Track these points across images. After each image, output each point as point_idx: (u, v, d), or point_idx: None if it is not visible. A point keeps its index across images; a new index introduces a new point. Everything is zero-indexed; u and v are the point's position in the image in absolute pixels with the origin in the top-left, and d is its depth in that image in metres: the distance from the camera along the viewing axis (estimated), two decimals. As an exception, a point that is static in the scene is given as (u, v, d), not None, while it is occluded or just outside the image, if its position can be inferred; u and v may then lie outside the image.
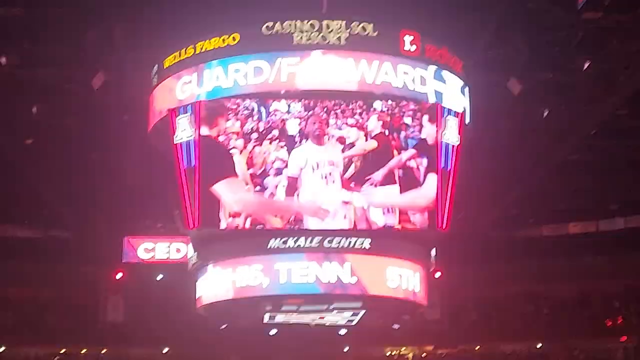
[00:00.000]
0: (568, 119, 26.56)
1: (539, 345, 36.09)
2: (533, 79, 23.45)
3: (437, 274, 28.11)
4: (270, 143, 19.92)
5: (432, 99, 19.92)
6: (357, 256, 20.75)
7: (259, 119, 19.82)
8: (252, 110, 19.81)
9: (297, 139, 19.94)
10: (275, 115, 19.89)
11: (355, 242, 20.55)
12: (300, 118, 19.90)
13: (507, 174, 30.85)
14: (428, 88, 19.88)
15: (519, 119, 26.44)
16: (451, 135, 20.24)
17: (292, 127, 19.97)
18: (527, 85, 22.66)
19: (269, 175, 19.88)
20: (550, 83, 24.36)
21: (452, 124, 20.22)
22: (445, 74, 20.27)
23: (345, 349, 35.80)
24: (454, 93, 20.36)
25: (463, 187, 21.26)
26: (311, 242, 20.46)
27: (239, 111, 19.73)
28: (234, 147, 19.78)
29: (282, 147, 19.92)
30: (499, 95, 23.41)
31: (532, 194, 33.15)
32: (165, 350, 36.47)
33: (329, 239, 20.37)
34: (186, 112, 19.69)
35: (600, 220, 37.04)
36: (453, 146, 20.25)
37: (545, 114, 24.59)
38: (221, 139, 19.75)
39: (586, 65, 22.12)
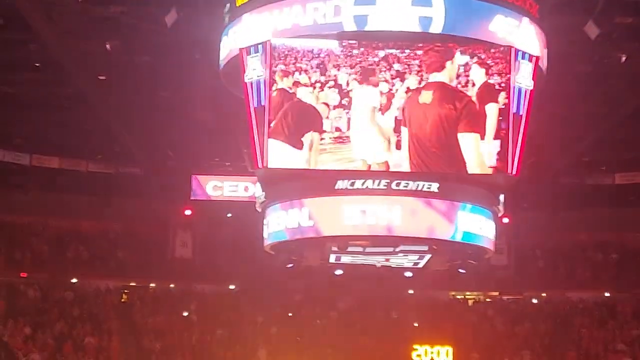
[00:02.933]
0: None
1: (606, 294, 35.77)
2: (611, 22, 22.82)
3: (505, 220, 27.93)
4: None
5: (505, 42, 19.56)
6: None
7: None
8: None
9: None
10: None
11: (424, 185, 20.41)
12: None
13: (580, 120, 30.34)
14: (503, 30, 19.52)
15: (596, 63, 25.86)
16: (524, 79, 19.86)
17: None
18: (605, 29, 22.07)
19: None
20: (629, 27, 23.69)
21: (525, 67, 19.83)
22: (521, 17, 19.87)
23: (410, 292, 35.92)
24: (528, 36, 19.95)
25: (535, 132, 20.95)
26: (379, 184, 20.38)
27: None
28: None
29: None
30: (576, 39, 22.87)
31: (605, 141, 32.57)
32: (232, 287, 37.03)
33: (396, 181, 20.26)
34: (257, 52, 19.59)
35: (675, 168, 36.32)
36: (526, 90, 19.88)
37: (623, 59, 23.95)
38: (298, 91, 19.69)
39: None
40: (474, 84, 19.60)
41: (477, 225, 20.99)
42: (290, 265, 25.07)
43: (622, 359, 31.02)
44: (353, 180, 20.41)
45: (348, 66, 19.70)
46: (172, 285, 37.09)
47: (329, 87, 19.79)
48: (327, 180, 20.53)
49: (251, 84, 19.73)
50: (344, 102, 19.80)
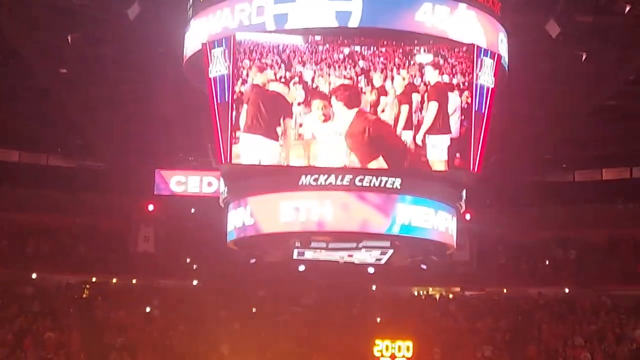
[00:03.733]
0: (606, 64, 26.22)
1: (566, 291, 36.15)
2: (572, 21, 23.06)
3: (467, 216, 28.12)
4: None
5: (468, 40, 19.69)
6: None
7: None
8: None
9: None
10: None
11: (387, 181, 20.53)
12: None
13: (542, 118, 30.64)
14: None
15: (557, 62, 26.12)
16: (486, 77, 20.02)
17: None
18: (566, 28, 22.30)
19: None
20: (589, 26, 23.95)
21: (487, 65, 19.99)
22: (483, 14, 20.01)
23: (373, 288, 36.06)
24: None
25: (497, 130, 21.13)
26: (342, 180, 20.47)
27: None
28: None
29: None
30: (537, 37, 23.09)
31: (567, 139, 32.93)
32: (195, 282, 36.93)
33: (359, 177, 20.37)
34: (221, 46, 19.58)
35: (634, 166, 36.77)
36: (488, 88, 20.06)
37: (584, 58, 24.23)
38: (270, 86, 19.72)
39: (627, 9, 21.68)
40: (427, 84, 19.85)
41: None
42: (253, 260, 25.14)
43: (580, 354, 31.36)
44: (317, 176, 20.51)
45: (313, 62, 19.78)
46: (134, 281, 36.91)
47: (294, 84, 19.85)
48: (291, 176, 20.61)
49: (215, 79, 19.71)
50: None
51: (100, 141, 33.90)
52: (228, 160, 19.96)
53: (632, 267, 35.38)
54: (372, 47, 19.70)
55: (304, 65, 19.69)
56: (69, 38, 24.64)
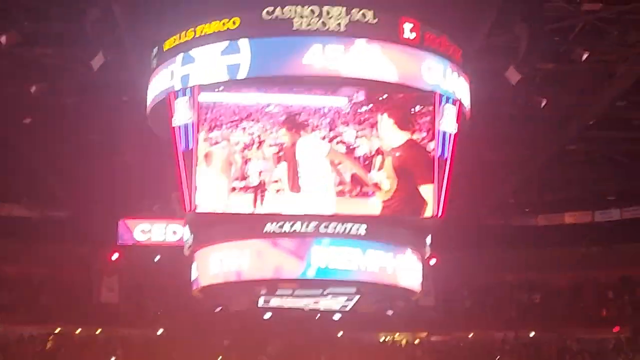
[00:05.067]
0: (566, 109, 26.61)
1: (531, 334, 36.25)
2: (532, 68, 23.41)
3: (432, 261, 28.21)
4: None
5: (429, 87, 19.90)
6: (352, 241, 20.83)
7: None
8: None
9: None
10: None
11: (352, 228, 20.58)
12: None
13: (503, 162, 30.93)
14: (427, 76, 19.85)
15: (519, 107, 26.44)
16: (448, 123, 20.22)
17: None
18: (526, 75, 22.63)
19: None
20: (549, 72, 24.35)
21: (449, 112, 20.21)
22: (444, 62, 20.24)
23: (339, 334, 35.92)
24: (451, 81, 20.34)
25: (460, 174, 21.30)
26: (307, 227, 20.50)
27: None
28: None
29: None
30: (498, 83, 23.39)
31: (529, 183, 33.25)
32: (160, 331, 36.58)
33: (325, 224, 20.41)
34: (185, 95, 19.68)
35: (596, 210, 37.13)
36: (450, 134, 20.25)
37: (544, 103, 24.57)
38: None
39: (585, 56, 22.07)
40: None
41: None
42: (218, 309, 25.03)
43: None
44: (282, 223, 20.54)
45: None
46: (98, 331, 36.47)
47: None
48: (255, 223, 20.63)
49: (179, 127, 19.76)
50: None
51: (62, 191, 33.64)
52: (192, 209, 19.95)
53: (596, 311, 35.62)
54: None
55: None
56: (32, 88, 24.54)
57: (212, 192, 20.05)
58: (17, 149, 29.42)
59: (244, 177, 20.08)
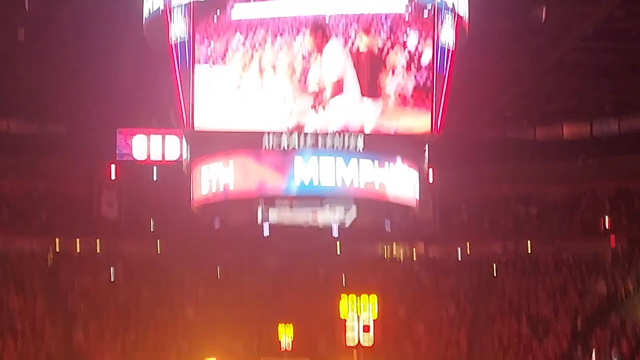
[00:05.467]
0: (565, 20, 26.32)
1: (528, 247, 36.50)
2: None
3: (430, 175, 28.25)
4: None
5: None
6: (350, 156, 20.91)
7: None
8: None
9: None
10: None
11: (349, 142, 20.59)
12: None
13: (502, 75, 30.75)
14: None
15: (516, 20, 26.17)
16: (447, 37, 20.05)
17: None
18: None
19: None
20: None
21: (448, 24, 20.02)
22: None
23: (337, 249, 36.15)
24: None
25: (458, 88, 21.21)
26: (305, 141, 20.51)
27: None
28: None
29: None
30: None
31: (527, 95, 33.11)
32: (159, 247, 36.81)
33: (322, 138, 20.42)
34: (180, 13, 19.45)
35: (594, 122, 37.04)
36: (448, 49, 20.10)
37: (543, 14, 24.26)
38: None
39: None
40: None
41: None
42: (218, 224, 25.18)
43: (543, 309, 31.82)
44: (279, 138, 20.56)
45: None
46: (98, 247, 36.69)
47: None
48: (253, 138, 20.65)
49: (176, 44, 19.60)
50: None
51: (61, 105, 33.50)
52: (190, 127, 19.95)
53: (592, 222, 35.79)
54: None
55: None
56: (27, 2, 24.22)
57: (211, 108, 20.02)
58: (13, 64, 29.19)
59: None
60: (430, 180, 27.79)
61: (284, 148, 20.76)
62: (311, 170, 20.82)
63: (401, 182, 21.89)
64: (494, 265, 35.68)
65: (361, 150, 20.73)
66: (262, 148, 20.61)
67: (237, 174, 21.01)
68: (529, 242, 36.32)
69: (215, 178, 21.46)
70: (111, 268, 34.66)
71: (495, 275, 35.00)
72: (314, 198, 21.47)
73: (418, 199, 22.70)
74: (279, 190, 21.13)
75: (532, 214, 37.10)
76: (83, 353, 30.27)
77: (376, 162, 21.39)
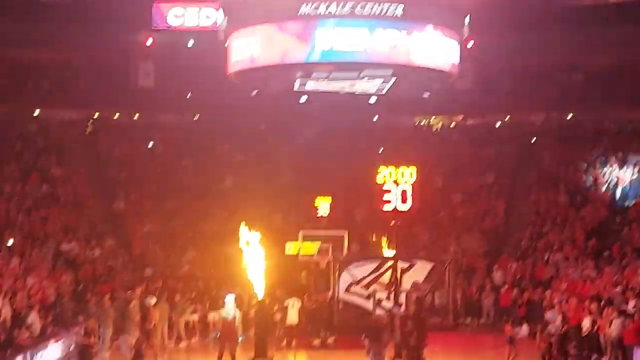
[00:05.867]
0: None
1: (569, 116, 36.06)
2: None
3: (470, 43, 27.69)
4: None
5: None
6: (389, 22, 20.51)
7: None
8: None
9: None
10: None
11: (388, 8, 20.15)
12: None
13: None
14: None
15: None
16: None
17: None
18: None
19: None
20: None
21: None
22: None
23: (375, 118, 35.97)
24: None
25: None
26: (343, 7, 20.12)
27: None
28: None
29: None
30: None
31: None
32: (196, 116, 36.88)
33: (361, 4, 20.00)
34: None
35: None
36: None
37: None
38: None
39: None
40: None
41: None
42: (254, 92, 25.08)
43: (581, 178, 31.66)
44: (317, 4, 20.18)
45: None
46: (136, 116, 36.88)
47: None
48: (291, 3, 20.29)
49: None
50: None
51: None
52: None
53: (636, 92, 35.07)
54: None
55: None
56: None
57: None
58: None
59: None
60: (469, 46, 27.11)
61: (307, 15, 20.39)
62: (333, 38, 20.59)
63: (431, 49, 21.48)
64: (534, 134, 35.40)
65: (399, 16, 20.28)
66: (297, 14, 20.27)
67: (262, 44, 20.90)
68: (570, 111, 35.85)
69: (244, 47, 21.31)
70: (149, 138, 34.97)
71: (534, 144, 34.74)
72: (343, 66, 21.23)
73: (455, 66, 22.28)
74: (300, 59, 20.98)
75: (575, 82, 36.43)
76: (123, 221, 30.77)
77: (403, 30, 20.97)
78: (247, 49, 21.67)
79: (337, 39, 20.57)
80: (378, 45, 20.79)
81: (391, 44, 20.90)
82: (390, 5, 20.23)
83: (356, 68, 21.87)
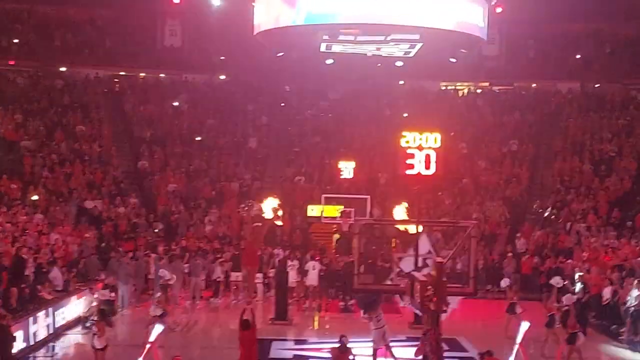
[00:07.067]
0: None
1: (596, 85, 35.81)
2: None
3: (498, 9, 27.48)
4: None
5: None
6: None
7: None
8: None
9: None
10: None
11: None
12: None
13: None
14: None
15: None
16: None
17: None
18: None
19: None
20: None
21: None
22: None
23: (401, 82, 35.86)
24: None
25: None
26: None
27: None
28: None
29: None
30: None
31: None
32: (222, 77, 36.91)
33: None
34: None
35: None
36: None
37: None
38: None
39: None
40: None
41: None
42: (281, 53, 25.02)
43: (607, 148, 31.46)
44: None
45: None
46: (161, 75, 36.97)
47: None
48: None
49: None
50: None
51: None
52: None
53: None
54: None
55: None
56: None
57: None
58: None
59: None
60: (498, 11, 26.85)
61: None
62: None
63: (459, 13, 21.37)
64: (560, 102, 35.22)
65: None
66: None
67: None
68: (596, 79, 35.61)
69: (268, 8, 21.47)
70: (175, 97, 35.04)
71: (559, 112, 34.56)
72: (369, 28, 21.21)
73: (482, 31, 22.12)
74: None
75: (601, 51, 36.15)
76: (148, 179, 30.93)
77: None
78: (272, 9, 21.65)
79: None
80: (408, 8, 20.73)
81: (419, 7, 20.82)
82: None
83: (383, 31, 21.77)
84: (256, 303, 22.50)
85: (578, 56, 36.31)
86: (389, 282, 14.81)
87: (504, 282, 23.13)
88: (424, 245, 14.19)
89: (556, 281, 21.44)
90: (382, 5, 20.45)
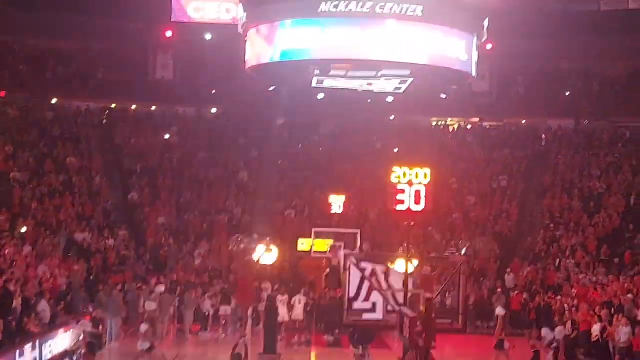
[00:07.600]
0: None
1: (583, 122, 36.02)
2: None
3: (489, 46, 27.69)
4: None
5: None
6: (408, 23, 20.51)
7: None
8: None
9: None
10: None
11: (408, 8, 20.16)
12: None
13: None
14: None
15: None
16: None
17: None
18: None
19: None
20: None
21: None
22: None
23: (392, 117, 35.98)
24: None
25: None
26: (362, 6, 20.14)
27: None
28: None
29: None
30: None
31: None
32: (214, 110, 36.98)
33: (380, 4, 20.02)
34: None
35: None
36: None
37: None
38: None
39: None
40: None
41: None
42: (272, 88, 25.13)
43: (596, 185, 31.58)
44: (337, 3, 20.19)
45: None
46: (153, 107, 36.99)
47: None
48: (310, 1, 20.33)
49: None
50: None
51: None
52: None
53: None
54: None
55: None
56: None
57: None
58: None
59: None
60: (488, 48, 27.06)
61: (342, 12, 20.41)
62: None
63: (450, 50, 21.51)
64: (549, 139, 35.38)
65: (419, 17, 20.28)
66: (318, 11, 20.29)
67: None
68: (585, 117, 35.83)
69: (260, 42, 21.60)
70: (166, 130, 35.06)
71: (549, 149, 34.72)
72: (360, 64, 21.33)
73: (473, 68, 22.26)
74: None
75: (590, 89, 36.42)
76: (138, 211, 30.86)
77: (422, 30, 20.98)
78: (255, 47, 21.78)
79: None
80: (397, 44, 20.79)
81: (410, 43, 20.89)
82: (410, 6, 20.22)
83: (374, 67, 21.88)
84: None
85: (567, 93, 36.55)
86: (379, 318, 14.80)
87: (499, 310, 23.21)
88: (397, 280, 14.28)
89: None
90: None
